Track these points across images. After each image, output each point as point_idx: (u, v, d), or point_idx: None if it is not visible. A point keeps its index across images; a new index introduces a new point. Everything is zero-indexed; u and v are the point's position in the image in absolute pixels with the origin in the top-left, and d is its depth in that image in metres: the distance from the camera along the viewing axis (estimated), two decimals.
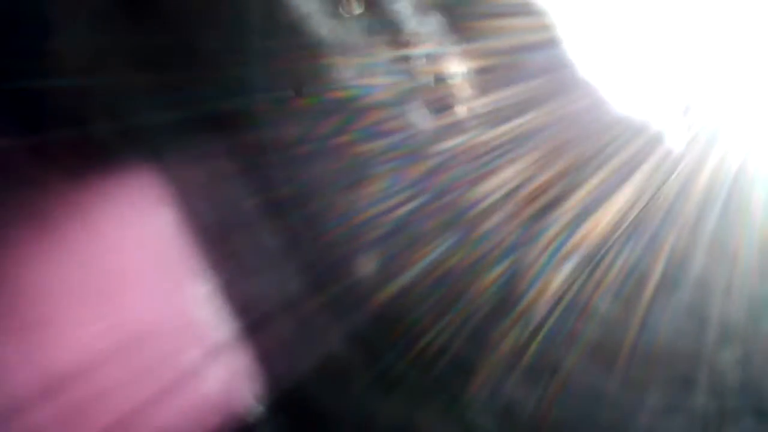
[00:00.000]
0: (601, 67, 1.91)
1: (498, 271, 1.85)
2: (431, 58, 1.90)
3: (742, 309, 1.73)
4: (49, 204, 1.46)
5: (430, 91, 1.90)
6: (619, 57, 1.90)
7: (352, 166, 1.86)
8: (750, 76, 1.90)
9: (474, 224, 1.88)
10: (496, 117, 1.90)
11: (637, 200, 1.84)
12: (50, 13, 1.57)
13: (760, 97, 1.88)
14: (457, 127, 1.90)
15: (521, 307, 1.82)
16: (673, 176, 1.83)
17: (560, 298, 1.81)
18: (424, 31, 1.90)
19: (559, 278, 1.83)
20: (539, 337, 1.79)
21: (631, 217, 1.83)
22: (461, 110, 1.90)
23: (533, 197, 1.88)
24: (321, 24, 1.82)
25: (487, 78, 1.91)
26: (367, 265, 1.84)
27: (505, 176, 1.89)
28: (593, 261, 1.82)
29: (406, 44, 1.89)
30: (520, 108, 1.89)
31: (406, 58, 1.89)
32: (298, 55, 1.82)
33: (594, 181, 1.87)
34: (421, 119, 1.89)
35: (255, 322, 1.73)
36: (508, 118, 1.90)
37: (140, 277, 1.59)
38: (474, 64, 1.91)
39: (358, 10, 1.79)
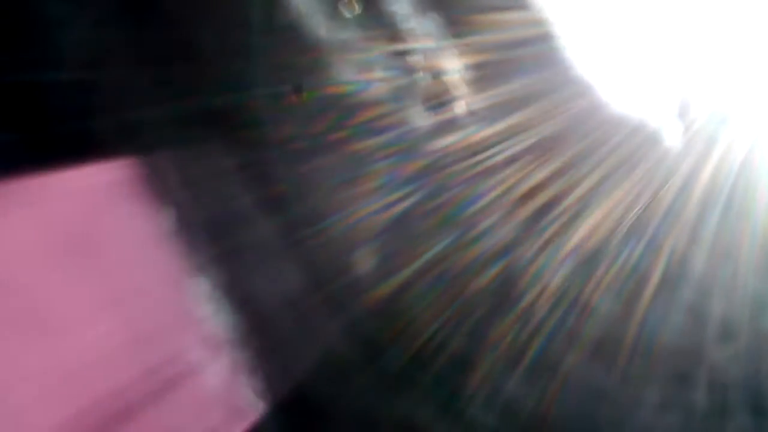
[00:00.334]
0: (599, 64, 1.91)
1: (497, 268, 1.85)
2: (428, 54, 1.90)
3: (743, 307, 1.74)
4: (46, 201, 1.45)
5: (426, 88, 1.89)
6: (618, 53, 1.90)
7: (349, 162, 1.85)
8: (750, 75, 1.90)
9: (472, 222, 1.88)
10: (493, 113, 1.90)
11: (638, 198, 1.84)
12: (50, 10, 1.55)
13: (760, 95, 1.88)
14: (454, 124, 1.90)
15: (521, 304, 1.82)
16: (674, 174, 1.83)
17: (560, 296, 1.81)
18: (421, 27, 1.89)
19: (558, 276, 1.83)
20: (539, 335, 1.79)
21: (632, 214, 1.83)
22: (458, 107, 1.90)
23: (532, 194, 1.88)
24: (318, 21, 1.81)
25: (483, 74, 1.90)
26: (365, 262, 1.84)
27: (503, 173, 1.89)
28: (593, 259, 1.82)
29: (402, 40, 1.88)
30: (517, 104, 1.88)
31: (402, 54, 1.88)
32: (296, 51, 1.81)
33: (593, 179, 1.87)
34: (417, 116, 1.88)
35: (255, 319, 1.73)
36: (505, 115, 1.89)
37: (140, 274, 1.58)
38: (470, 60, 1.91)
39: (358, 9, 1.78)
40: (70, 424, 1.36)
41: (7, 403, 1.28)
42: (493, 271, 1.86)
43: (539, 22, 1.90)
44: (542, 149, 1.89)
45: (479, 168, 1.89)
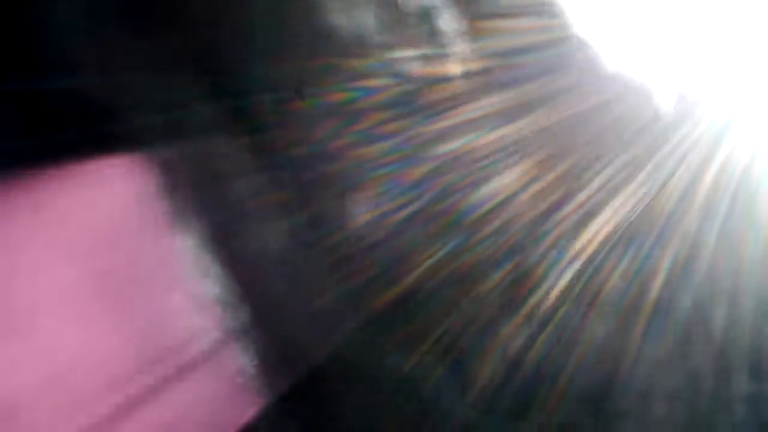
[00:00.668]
0: (603, 69, 1.92)
1: (502, 272, 1.87)
2: (432, 59, 1.89)
3: (749, 306, 1.77)
4: (52, 201, 1.45)
5: (431, 93, 1.89)
6: (623, 58, 1.91)
7: (353, 168, 1.85)
8: (755, 76, 1.92)
9: (478, 226, 1.89)
10: (495, 119, 1.91)
11: (641, 201, 1.87)
12: (60, 14, 1.53)
13: (765, 96, 1.91)
14: (459, 129, 1.90)
15: (526, 307, 1.84)
16: (678, 177, 1.85)
17: (565, 299, 1.84)
18: (426, 32, 1.88)
19: (564, 279, 1.85)
20: (544, 338, 1.82)
21: (635, 217, 1.86)
22: (463, 112, 1.90)
23: (538, 199, 1.90)
24: (323, 26, 1.80)
25: (488, 79, 1.90)
26: (371, 266, 1.85)
27: (508, 178, 1.90)
28: (598, 262, 1.84)
29: (405, 46, 1.87)
30: (522, 110, 1.89)
31: (405, 61, 1.88)
32: (300, 56, 1.80)
33: (598, 183, 1.89)
34: (422, 121, 1.89)
35: (260, 313, 1.74)
36: (509, 120, 1.90)
37: (144, 267, 1.58)
38: (475, 66, 1.91)
39: None
40: (73, 414, 1.37)
41: (7, 394, 1.29)
42: (498, 276, 1.88)
43: (542, 29, 1.91)
44: (545, 154, 1.91)
45: (484, 173, 1.90)
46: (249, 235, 1.78)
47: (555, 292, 1.85)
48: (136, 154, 1.64)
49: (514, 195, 1.90)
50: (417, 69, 1.88)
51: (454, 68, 1.90)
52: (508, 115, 1.90)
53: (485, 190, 1.89)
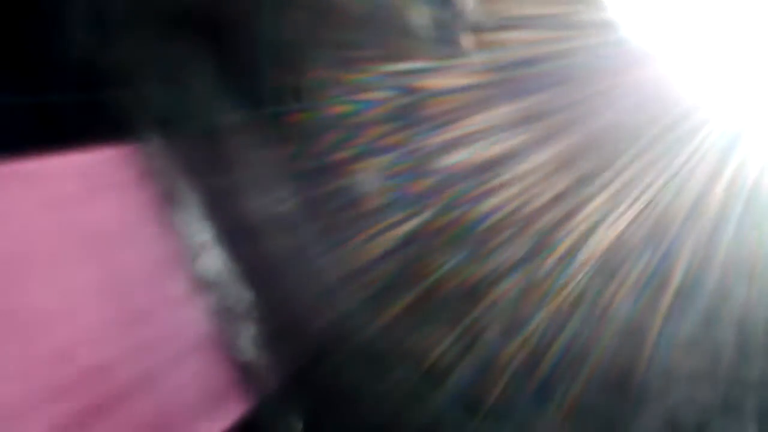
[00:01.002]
0: (605, 82, 1.91)
1: (509, 283, 1.85)
2: (435, 71, 1.91)
3: (761, 318, 1.73)
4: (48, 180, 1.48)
5: (434, 105, 1.90)
6: (633, 68, 1.90)
7: (355, 181, 1.86)
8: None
9: (484, 238, 1.88)
10: (498, 132, 1.91)
11: (651, 210, 1.84)
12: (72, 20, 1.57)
13: None
14: (463, 141, 1.90)
15: (534, 320, 1.82)
16: (688, 186, 1.83)
17: (574, 311, 1.81)
18: (429, 44, 1.90)
19: (572, 290, 1.82)
20: (552, 351, 1.79)
21: (645, 227, 1.83)
22: (463, 125, 1.90)
23: (543, 210, 1.88)
24: (325, 38, 1.83)
25: (488, 93, 1.91)
26: (372, 283, 1.85)
27: (514, 190, 1.90)
28: (608, 272, 1.82)
29: (408, 59, 1.89)
30: (527, 121, 1.89)
31: (407, 74, 1.89)
32: (299, 71, 1.82)
33: (606, 193, 1.87)
34: (425, 133, 1.89)
35: (263, 300, 1.75)
36: (514, 132, 1.90)
37: (138, 257, 1.60)
38: (475, 79, 1.92)
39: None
40: (64, 401, 1.37)
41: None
42: (505, 287, 1.86)
43: (546, 41, 1.91)
44: (547, 167, 1.90)
45: (484, 187, 1.89)
46: (252, 224, 1.79)
47: (563, 304, 1.82)
48: (141, 151, 1.67)
49: (522, 205, 1.88)
50: (419, 81, 1.89)
51: (457, 80, 1.91)
52: (512, 127, 1.90)
53: (492, 202, 1.88)
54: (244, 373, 1.68)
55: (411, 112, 1.89)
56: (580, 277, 1.81)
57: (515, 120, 1.91)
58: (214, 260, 1.68)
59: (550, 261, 1.84)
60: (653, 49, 1.95)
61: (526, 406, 1.75)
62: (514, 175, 1.90)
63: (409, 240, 1.85)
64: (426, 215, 1.87)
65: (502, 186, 1.89)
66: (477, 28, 1.92)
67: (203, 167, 1.69)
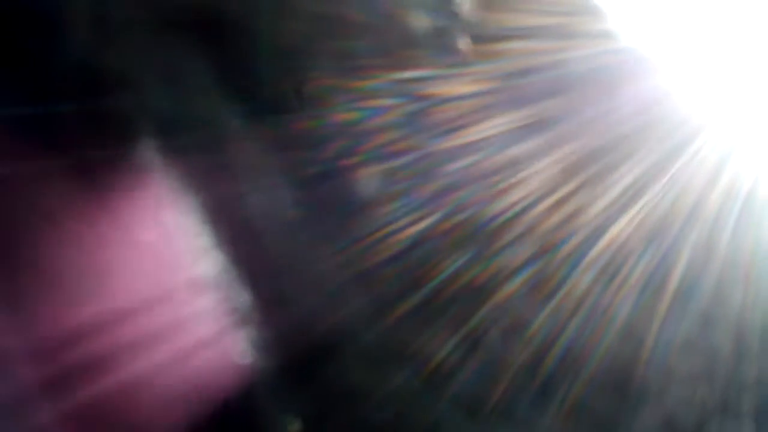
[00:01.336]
0: (609, 90, 1.94)
1: (512, 286, 1.88)
2: (441, 79, 1.93)
3: (758, 320, 1.75)
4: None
5: (440, 113, 1.93)
6: (634, 76, 1.92)
7: (361, 187, 1.88)
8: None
9: (489, 241, 1.90)
10: (504, 139, 1.93)
11: (651, 215, 1.86)
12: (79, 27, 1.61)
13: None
14: (468, 148, 1.93)
15: (536, 322, 1.84)
16: (686, 191, 1.85)
17: (575, 313, 1.83)
18: (434, 52, 1.92)
19: (573, 292, 1.85)
20: (554, 352, 1.81)
21: (645, 231, 1.85)
22: (469, 132, 1.93)
23: (544, 215, 1.91)
24: (331, 46, 1.85)
25: (495, 100, 1.93)
26: (375, 285, 1.87)
27: (516, 195, 1.92)
28: (609, 275, 1.84)
29: (415, 66, 1.91)
30: (532, 129, 1.91)
31: (413, 81, 1.92)
32: (303, 78, 1.85)
33: (606, 198, 1.89)
34: (432, 140, 1.92)
35: (267, 297, 1.77)
36: (516, 138, 1.92)
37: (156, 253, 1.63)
38: (482, 87, 1.94)
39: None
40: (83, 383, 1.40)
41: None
42: (511, 289, 1.88)
43: (545, 51, 1.93)
44: (549, 174, 1.92)
45: (488, 192, 1.92)
46: (256, 228, 1.81)
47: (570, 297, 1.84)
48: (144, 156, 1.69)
49: (523, 210, 1.91)
50: (423, 89, 1.92)
51: (461, 89, 1.94)
52: (515, 134, 1.92)
53: (495, 207, 1.91)
54: (247, 374, 1.70)
55: (416, 120, 1.92)
56: (581, 280, 1.84)
57: (518, 127, 1.94)
58: (217, 263, 1.71)
59: (552, 264, 1.87)
60: (653, 57, 1.97)
61: (527, 407, 1.77)
62: (517, 181, 1.92)
63: (412, 244, 1.88)
64: (430, 220, 1.90)
65: (505, 191, 1.92)
66: (480, 38, 1.95)
67: (208, 173, 1.72)
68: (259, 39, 1.79)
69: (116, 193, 1.61)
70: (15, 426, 1.40)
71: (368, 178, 1.89)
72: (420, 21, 1.93)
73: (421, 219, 1.90)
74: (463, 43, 1.95)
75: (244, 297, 1.75)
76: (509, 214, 1.92)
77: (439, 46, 1.94)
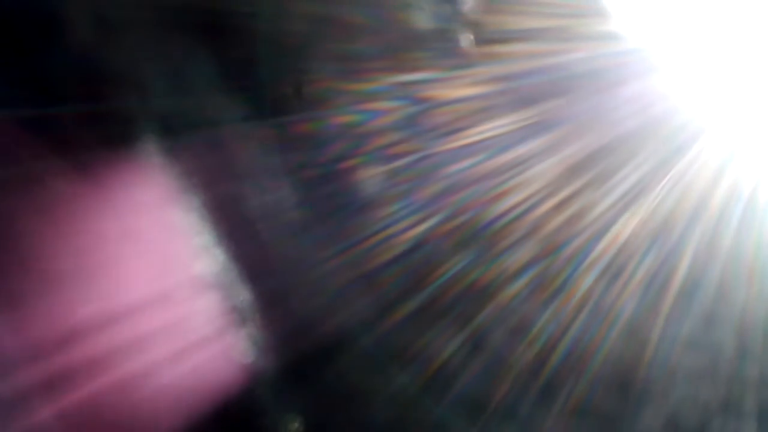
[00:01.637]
0: (609, 93, 1.94)
1: (518, 287, 1.87)
2: (440, 81, 1.94)
3: (761, 318, 1.74)
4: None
5: (439, 115, 1.93)
6: (636, 78, 1.92)
7: (361, 189, 1.89)
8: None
9: (492, 242, 1.90)
10: (504, 141, 1.93)
11: (654, 215, 1.86)
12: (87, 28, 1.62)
13: None
14: (469, 149, 1.93)
15: (539, 322, 1.84)
16: (689, 191, 1.84)
17: (578, 312, 1.83)
18: (434, 54, 1.93)
19: (576, 292, 1.84)
20: (557, 352, 1.80)
21: (648, 231, 1.85)
22: (468, 134, 1.93)
23: (547, 216, 1.91)
24: (329, 48, 1.86)
25: (496, 101, 1.93)
26: (377, 286, 1.87)
27: (519, 197, 1.92)
28: (612, 274, 1.84)
29: (412, 69, 1.92)
30: (532, 129, 1.91)
31: (412, 84, 1.92)
32: (307, 79, 1.85)
33: (610, 198, 1.89)
34: (432, 142, 1.92)
35: (267, 297, 1.77)
36: (518, 140, 1.92)
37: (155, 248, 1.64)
38: (481, 89, 1.94)
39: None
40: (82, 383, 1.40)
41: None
42: (513, 291, 1.88)
43: (548, 53, 1.94)
44: (552, 175, 1.92)
45: (491, 194, 1.92)
46: (258, 228, 1.82)
47: (573, 297, 1.84)
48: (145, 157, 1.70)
49: (530, 209, 1.91)
50: (425, 92, 1.93)
51: (463, 91, 1.94)
52: (517, 135, 1.92)
53: (497, 208, 1.91)
54: (247, 374, 1.70)
55: (417, 121, 1.93)
56: (583, 281, 1.84)
57: (521, 129, 1.94)
58: (218, 263, 1.72)
59: (555, 265, 1.87)
60: (656, 60, 1.97)
61: (530, 408, 1.77)
62: (520, 183, 1.93)
63: (414, 245, 1.88)
64: (432, 221, 1.90)
65: (507, 193, 1.92)
66: (482, 40, 1.95)
67: (209, 173, 1.73)
68: (261, 40, 1.80)
69: (117, 193, 1.62)
70: (15, 426, 1.40)
71: (370, 180, 1.89)
72: (422, 23, 1.94)
73: (423, 220, 1.90)
74: (466, 45, 1.95)
75: (244, 297, 1.76)
76: (512, 215, 1.92)
77: (441, 47, 1.95)
